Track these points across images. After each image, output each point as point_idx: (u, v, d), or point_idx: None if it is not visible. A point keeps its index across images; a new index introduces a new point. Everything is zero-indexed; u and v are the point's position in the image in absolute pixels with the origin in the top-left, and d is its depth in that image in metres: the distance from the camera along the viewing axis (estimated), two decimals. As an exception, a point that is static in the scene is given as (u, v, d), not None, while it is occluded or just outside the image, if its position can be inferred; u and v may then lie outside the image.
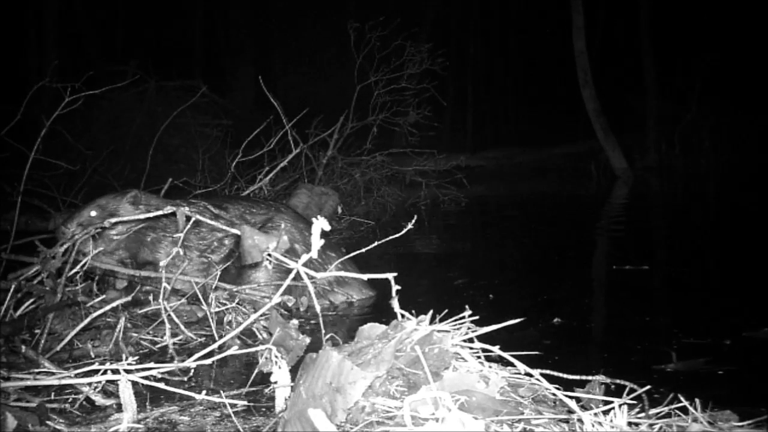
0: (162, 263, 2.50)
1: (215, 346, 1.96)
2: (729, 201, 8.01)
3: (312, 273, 1.89)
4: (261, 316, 2.40)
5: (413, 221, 2.01)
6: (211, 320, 2.59)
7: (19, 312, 2.45)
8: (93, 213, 2.92)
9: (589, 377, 1.66)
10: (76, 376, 1.87)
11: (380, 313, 3.04)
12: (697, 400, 1.51)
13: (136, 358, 2.04)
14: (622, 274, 3.84)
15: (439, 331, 1.73)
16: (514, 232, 6.22)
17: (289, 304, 2.80)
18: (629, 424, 1.48)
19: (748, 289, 3.41)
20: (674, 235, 5.51)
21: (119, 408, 1.79)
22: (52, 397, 1.92)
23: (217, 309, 2.63)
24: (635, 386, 1.57)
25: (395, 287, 1.75)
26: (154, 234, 3.03)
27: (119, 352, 2.35)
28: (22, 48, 11.58)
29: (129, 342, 2.47)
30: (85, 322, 2.34)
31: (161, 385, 1.81)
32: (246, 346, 2.36)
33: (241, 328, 2.07)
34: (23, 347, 2.11)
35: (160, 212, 2.40)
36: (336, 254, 3.41)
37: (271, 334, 1.88)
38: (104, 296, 2.79)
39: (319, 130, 6.46)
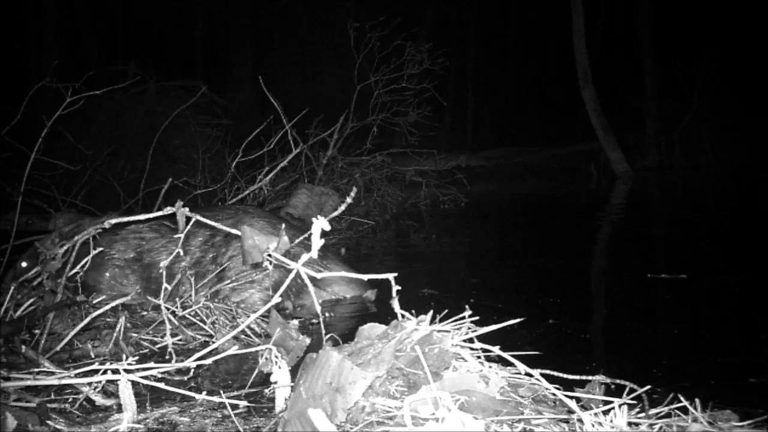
0: (163, 264, 2.50)
1: (215, 346, 1.96)
2: (732, 201, 8.00)
3: (312, 273, 1.89)
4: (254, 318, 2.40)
5: (353, 193, 1.99)
6: (206, 324, 2.59)
7: (19, 312, 2.45)
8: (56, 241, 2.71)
9: (589, 377, 1.65)
10: (76, 376, 1.87)
11: (380, 312, 3.05)
12: (697, 400, 1.50)
13: (136, 358, 2.04)
14: (658, 282, 3.54)
15: (439, 331, 1.73)
16: (516, 234, 6.22)
17: (286, 304, 2.80)
18: (629, 424, 1.48)
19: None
20: (688, 238, 5.36)
21: (119, 408, 1.79)
22: (52, 397, 1.91)
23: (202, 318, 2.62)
24: (635, 386, 1.57)
25: (395, 287, 1.75)
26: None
27: (119, 352, 2.35)
28: (22, 48, 11.59)
29: (129, 342, 2.47)
30: (85, 321, 2.34)
31: (161, 386, 1.81)
32: (246, 347, 2.36)
33: (241, 327, 2.07)
34: (23, 347, 2.11)
35: (160, 213, 2.39)
36: (332, 254, 3.41)
37: (266, 336, 1.88)
38: (103, 297, 2.79)
39: (319, 130, 6.46)
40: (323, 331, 1.99)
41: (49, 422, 1.73)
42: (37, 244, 2.79)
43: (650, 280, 3.59)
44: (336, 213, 2.04)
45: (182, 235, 2.26)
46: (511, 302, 3.23)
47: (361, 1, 13.47)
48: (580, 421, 1.46)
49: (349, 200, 1.93)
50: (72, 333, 2.30)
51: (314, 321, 2.89)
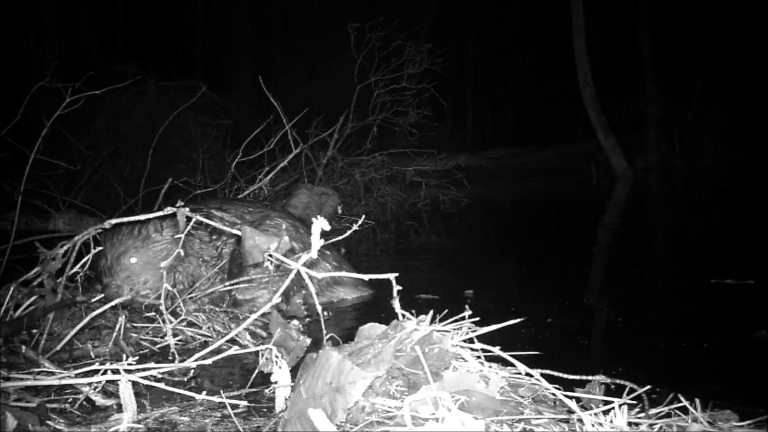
0: (163, 264, 2.50)
1: (215, 346, 1.96)
2: (733, 201, 7.99)
3: (312, 273, 1.89)
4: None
5: (361, 221, 2.02)
6: (206, 325, 2.59)
7: (18, 312, 2.45)
8: None
9: (589, 377, 1.65)
10: (76, 376, 1.87)
11: (380, 313, 3.04)
12: (697, 400, 1.50)
13: (136, 358, 2.04)
14: (722, 287, 3.33)
15: (439, 331, 1.73)
16: (516, 234, 6.21)
17: (284, 307, 2.80)
18: (629, 424, 1.48)
19: None
20: (688, 238, 5.28)
21: (119, 408, 1.79)
22: (52, 397, 1.91)
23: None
24: (635, 386, 1.57)
25: (396, 287, 1.75)
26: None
27: (119, 352, 2.35)
28: (22, 48, 11.58)
29: (129, 342, 2.47)
30: (85, 321, 2.34)
31: (161, 386, 1.81)
32: (246, 347, 2.36)
33: (241, 327, 2.07)
34: (23, 347, 2.11)
35: (160, 213, 2.39)
36: (333, 253, 3.41)
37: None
38: (102, 295, 2.79)
39: (319, 130, 6.46)
40: (323, 331, 1.99)
41: (49, 422, 1.73)
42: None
43: (714, 285, 3.38)
44: (343, 237, 2.05)
45: (182, 236, 2.26)
46: (511, 302, 3.22)
47: (361, 1, 13.47)
48: (580, 421, 1.46)
49: (355, 227, 1.94)
50: (72, 333, 2.30)
51: (310, 319, 2.89)
